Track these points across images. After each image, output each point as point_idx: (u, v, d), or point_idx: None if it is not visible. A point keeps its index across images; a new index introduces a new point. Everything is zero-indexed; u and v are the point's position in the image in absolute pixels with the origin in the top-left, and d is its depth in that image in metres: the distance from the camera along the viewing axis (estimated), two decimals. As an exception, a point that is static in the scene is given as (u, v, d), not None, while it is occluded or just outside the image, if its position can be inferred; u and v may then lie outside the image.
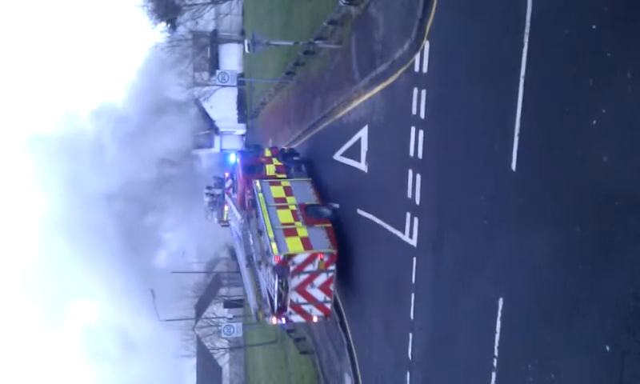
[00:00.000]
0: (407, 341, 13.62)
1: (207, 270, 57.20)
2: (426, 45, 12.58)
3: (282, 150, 24.74)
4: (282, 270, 17.29)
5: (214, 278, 56.91)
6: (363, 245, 17.44)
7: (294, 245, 17.74)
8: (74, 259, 46.52)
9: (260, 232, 19.55)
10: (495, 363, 9.67)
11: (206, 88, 48.69)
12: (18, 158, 64.23)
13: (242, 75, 46.32)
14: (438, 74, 12.21)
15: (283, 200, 20.07)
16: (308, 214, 19.27)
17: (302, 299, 17.90)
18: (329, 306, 18.34)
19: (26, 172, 54.62)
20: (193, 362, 56.42)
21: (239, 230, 23.45)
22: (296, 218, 19.10)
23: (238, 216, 23.89)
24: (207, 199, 35.51)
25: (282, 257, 17.27)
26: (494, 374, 9.72)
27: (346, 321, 19.57)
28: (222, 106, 51.26)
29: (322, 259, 17.53)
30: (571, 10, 7.96)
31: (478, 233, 10.36)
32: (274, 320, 18.47)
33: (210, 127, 52.72)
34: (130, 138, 48.05)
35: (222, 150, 52.02)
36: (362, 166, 16.97)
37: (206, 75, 51.43)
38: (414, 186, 13.11)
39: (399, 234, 13.98)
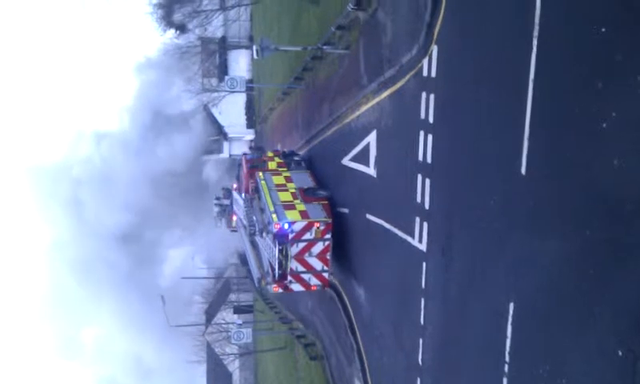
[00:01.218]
0: (417, 346, 13.56)
1: (217, 276, 57.32)
2: (435, 49, 12.56)
3: (284, 152, 25.99)
4: (282, 237, 18.59)
5: (224, 284, 57.03)
6: (372, 249, 17.41)
7: (292, 215, 19.15)
8: (82, 286, 46.48)
9: (262, 210, 20.91)
10: (506, 369, 9.60)
11: (215, 94, 48.89)
12: (20, 188, 63.98)
13: (250, 81, 46.49)
14: (447, 79, 12.18)
15: (283, 186, 21.50)
16: (306, 194, 20.70)
17: (301, 268, 19.14)
18: (326, 275, 19.44)
19: (30, 201, 53.94)
20: (203, 367, 56.46)
21: (243, 213, 24.67)
22: (295, 198, 20.50)
23: (241, 202, 25.34)
24: (216, 209, 36.55)
25: (281, 224, 18.55)
26: (505, 380, 9.65)
27: (355, 326, 19.52)
28: (231, 111, 51.45)
29: (318, 227, 18.84)
30: (581, 12, 7.93)
31: (487, 237, 10.31)
32: (275, 288, 19.53)
33: (219, 133, 52.95)
34: (135, 159, 47.88)
35: (230, 155, 52.18)
36: (371, 170, 16.96)
37: (214, 81, 51.69)
38: (424, 190, 13.08)
39: (409, 238, 13.95)
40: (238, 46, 52.21)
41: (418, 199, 13.28)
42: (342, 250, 20.45)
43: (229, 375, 55.25)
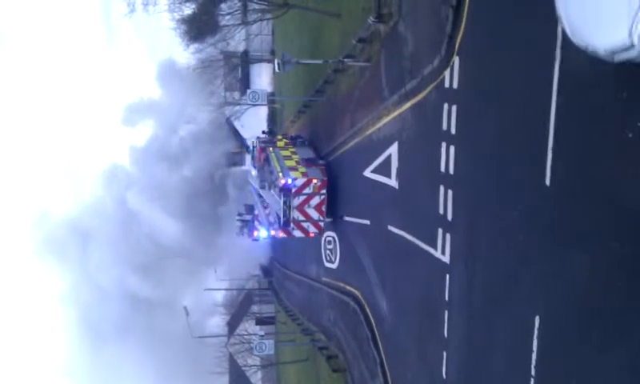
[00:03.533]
0: (441, 359, 13.42)
1: (239, 288, 57.50)
2: (456, 60, 12.55)
3: (291, 136, 30.85)
4: (286, 191, 23.36)
5: (246, 296, 57.19)
6: (395, 261, 17.33)
7: (295, 174, 23.79)
8: (101, 341, 45.84)
9: (271, 172, 25.55)
10: (532, 383, 9.45)
11: (237, 107, 49.31)
12: (26, 241, 62.06)
13: (272, 94, 46.79)
14: (469, 90, 12.15)
15: (289, 156, 25.82)
16: (307, 162, 25.16)
17: (301, 217, 23.82)
18: (322, 224, 24.24)
19: (38, 255, 52.12)
20: (225, 378, 56.57)
21: (256, 179, 29.78)
22: (298, 164, 24.89)
23: (254, 171, 30.61)
24: (239, 224, 37.64)
25: (286, 180, 23.27)
26: (531, 394, 9.50)
27: (378, 338, 19.39)
28: (253, 124, 51.78)
29: (315, 183, 23.49)
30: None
31: (512, 249, 10.20)
32: (280, 233, 24.79)
33: (242, 145, 53.34)
34: (149, 192, 47.26)
35: (252, 164, 52.33)
36: (393, 182, 16.93)
37: (237, 95, 52.15)
38: (446, 201, 13.01)
39: (431, 250, 13.86)
40: (260, 60, 52.66)
41: (441, 211, 13.21)
42: (363, 262, 20.41)
43: (251, 387, 55.19)
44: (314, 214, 23.85)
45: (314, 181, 23.65)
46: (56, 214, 49.57)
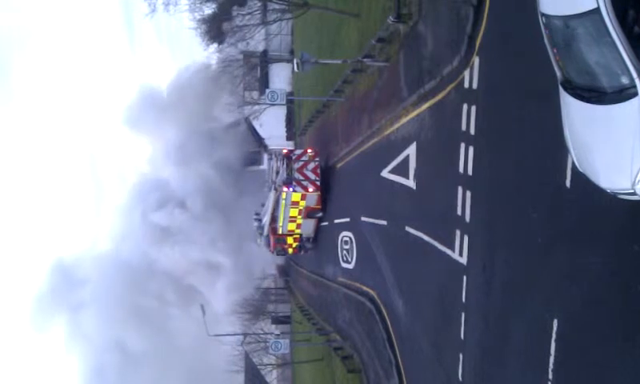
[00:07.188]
0: (458, 361, 13.33)
1: (255, 287, 57.68)
2: (476, 61, 12.46)
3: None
4: (289, 158, 30.26)
5: (262, 295, 57.35)
6: (411, 262, 17.26)
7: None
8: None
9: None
10: (550, 387, 9.34)
11: (256, 107, 49.50)
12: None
13: (291, 94, 46.85)
14: (489, 90, 12.05)
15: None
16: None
17: (301, 177, 30.05)
18: (318, 182, 30.22)
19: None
20: (241, 377, 56.80)
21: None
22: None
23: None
24: (256, 224, 38.31)
25: (287, 150, 31.37)
26: (548, 398, 9.39)
27: (394, 339, 19.32)
28: (272, 124, 51.96)
29: (310, 152, 30.89)
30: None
31: (531, 251, 10.10)
32: (284, 189, 29.65)
33: (260, 145, 53.53)
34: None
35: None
36: (411, 183, 16.86)
37: (256, 94, 52.34)
38: (464, 203, 12.92)
39: (449, 251, 13.77)
40: (279, 60, 52.77)
41: (459, 212, 13.13)
42: (380, 262, 20.36)
43: (267, 385, 55.26)
44: (311, 175, 30.13)
45: (310, 150, 31.24)
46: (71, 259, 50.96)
